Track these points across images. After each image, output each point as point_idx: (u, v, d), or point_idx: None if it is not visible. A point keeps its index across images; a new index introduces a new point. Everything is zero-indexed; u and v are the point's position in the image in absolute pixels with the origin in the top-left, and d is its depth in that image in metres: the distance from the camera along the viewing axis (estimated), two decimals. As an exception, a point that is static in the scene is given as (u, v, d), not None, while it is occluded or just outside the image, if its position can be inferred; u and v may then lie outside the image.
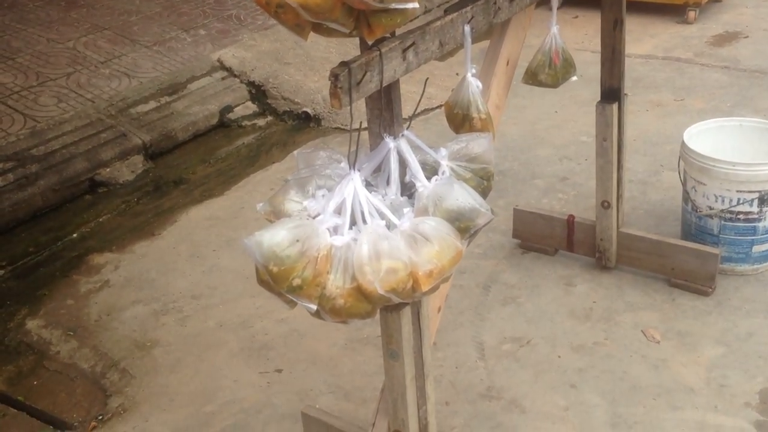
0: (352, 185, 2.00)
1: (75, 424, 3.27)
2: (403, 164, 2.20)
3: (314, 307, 1.92)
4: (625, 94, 3.53)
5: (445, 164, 2.21)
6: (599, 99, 3.53)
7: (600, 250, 3.73)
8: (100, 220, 4.68)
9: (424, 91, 2.15)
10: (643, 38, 6.52)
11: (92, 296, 4.00)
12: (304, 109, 5.64)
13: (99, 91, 5.58)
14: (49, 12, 6.61)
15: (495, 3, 2.44)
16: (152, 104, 5.55)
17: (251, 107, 5.81)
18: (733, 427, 2.89)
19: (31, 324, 3.82)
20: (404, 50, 2.11)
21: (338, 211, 2.02)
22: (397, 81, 2.17)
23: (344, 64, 1.97)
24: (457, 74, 5.97)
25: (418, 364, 2.44)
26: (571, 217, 3.80)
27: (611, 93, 3.48)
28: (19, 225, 4.60)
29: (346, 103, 1.98)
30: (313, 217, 2.04)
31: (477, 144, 2.24)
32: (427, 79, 2.32)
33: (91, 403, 3.37)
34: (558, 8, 2.77)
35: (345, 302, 1.91)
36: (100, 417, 3.27)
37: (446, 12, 2.33)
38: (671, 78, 5.84)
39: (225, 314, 3.77)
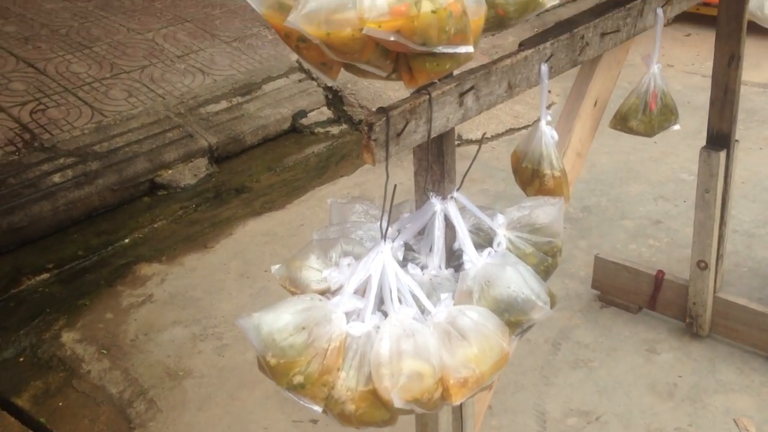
0: (381, 259, 1.63)
1: (93, 456, 3.04)
2: (452, 228, 1.83)
3: (319, 409, 1.57)
4: (736, 141, 3.04)
5: (502, 234, 1.82)
6: (705, 139, 3.05)
7: (691, 315, 3.25)
8: (155, 226, 4.45)
9: (479, 150, 1.76)
10: (763, 63, 5.89)
11: (133, 311, 3.77)
12: (381, 120, 5.28)
13: (171, 87, 5.37)
14: (133, 0, 6.47)
15: (582, 38, 2.02)
16: (223, 104, 5.31)
17: (326, 113, 5.50)
18: None
19: (67, 337, 3.61)
20: (461, 94, 1.73)
21: (363, 289, 1.65)
22: (452, 130, 1.79)
23: (382, 111, 1.61)
24: (549, 92, 5.50)
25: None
26: (661, 273, 3.33)
27: (719, 138, 3.00)
28: (73, 225, 4.42)
29: (381, 158, 1.62)
30: (333, 292, 1.69)
31: (543, 212, 1.84)
32: (485, 136, 1.93)
33: (113, 435, 3.13)
34: (667, 25, 2.33)
35: (357, 408, 1.55)
36: (119, 453, 3.02)
37: (521, 46, 1.94)
38: (792, 111, 5.22)
39: (266, 346, 3.46)
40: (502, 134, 5.10)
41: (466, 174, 1.82)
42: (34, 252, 4.19)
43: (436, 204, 1.78)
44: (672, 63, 6.02)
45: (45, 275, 4.02)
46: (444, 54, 1.45)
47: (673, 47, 6.25)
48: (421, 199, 1.87)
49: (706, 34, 6.14)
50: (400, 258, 1.80)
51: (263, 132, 5.25)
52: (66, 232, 4.38)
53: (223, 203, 4.66)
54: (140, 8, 6.34)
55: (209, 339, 3.54)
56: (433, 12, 1.36)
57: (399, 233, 1.82)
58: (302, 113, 5.44)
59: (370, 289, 1.63)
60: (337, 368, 1.55)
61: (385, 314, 1.64)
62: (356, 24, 1.36)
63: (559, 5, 1.84)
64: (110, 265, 4.12)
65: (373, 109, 5.58)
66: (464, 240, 1.75)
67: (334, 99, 5.57)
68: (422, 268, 1.80)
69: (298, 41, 1.48)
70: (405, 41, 1.38)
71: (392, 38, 1.36)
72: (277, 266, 1.81)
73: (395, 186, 1.62)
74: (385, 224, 1.63)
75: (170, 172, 4.81)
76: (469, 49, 1.46)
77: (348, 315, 1.62)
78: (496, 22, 1.69)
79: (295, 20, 1.38)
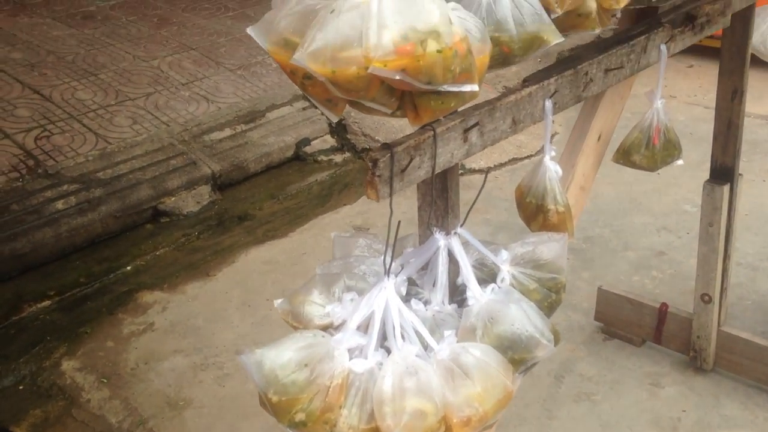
0: (385, 295, 1.63)
1: (91, 487, 3.01)
2: (456, 263, 1.82)
3: (321, 446, 1.55)
4: (740, 175, 3.04)
5: (506, 270, 1.82)
6: (709, 171, 3.05)
7: (695, 349, 3.23)
8: (157, 253, 4.45)
9: (484, 185, 1.77)
10: (765, 96, 5.91)
11: (134, 340, 3.75)
12: (384, 148, 5.29)
13: (175, 114, 5.39)
14: (140, 28, 6.52)
15: (586, 74, 2.03)
16: (227, 132, 5.33)
17: (329, 141, 5.52)
18: None
19: (67, 365, 3.59)
20: (466, 130, 1.73)
21: (366, 325, 1.65)
22: (456, 165, 1.79)
23: (386, 147, 1.61)
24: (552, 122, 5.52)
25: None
26: (664, 305, 3.32)
27: (723, 172, 3.00)
28: (75, 252, 4.42)
29: (385, 194, 1.62)
30: (336, 327, 1.68)
31: (547, 248, 1.83)
32: (489, 169, 1.93)
33: (112, 466, 3.11)
34: (670, 56, 2.34)
35: (358, 446, 1.53)
36: (118, 484, 2.99)
37: (524, 82, 1.95)
38: (794, 143, 5.23)
39: (267, 376, 3.44)
40: (505, 164, 5.11)
41: (470, 210, 1.82)
42: (35, 279, 4.18)
43: (440, 239, 1.78)
44: (674, 94, 6.05)
45: (46, 302, 4.01)
46: (449, 92, 1.45)
47: (675, 78, 6.28)
48: (425, 234, 1.87)
49: (709, 66, 6.17)
50: (403, 293, 1.79)
51: (267, 160, 5.26)
52: (68, 259, 4.37)
53: (225, 231, 4.66)
54: (146, 36, 6.39)
55: (210, 368, 3.52)
56: (439, 51, 1.37)
57: (402, 268, 1.82)
58: (306, 141, 5.46)
59: (373, 325, 1.62)
60: (340, 406, 1.54)
61: (388, 351, 1.63)
62: (362, 62, 1.37)
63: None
64: (112, 293, 4.11)
65: (377, 137, 5.52)
66: (468, 276, 1.75)
67: (338, 127, 5.59)
68: (425, 303, 1.80)
69: (303, 78, 1.49)
70: (410, 80, 1.38)
71: (397, 77, 1.37)
72: (279, 300, 1.80)
73: (399, 222, 1.62)
74: (388, 260, 1.62)
75: (173, 199, 4.82)
76: (474, 87, 1.46)
77: (351, 351, 1.61)
78: (501, 60, 1.70)
79: (301, 58, 1.39)
